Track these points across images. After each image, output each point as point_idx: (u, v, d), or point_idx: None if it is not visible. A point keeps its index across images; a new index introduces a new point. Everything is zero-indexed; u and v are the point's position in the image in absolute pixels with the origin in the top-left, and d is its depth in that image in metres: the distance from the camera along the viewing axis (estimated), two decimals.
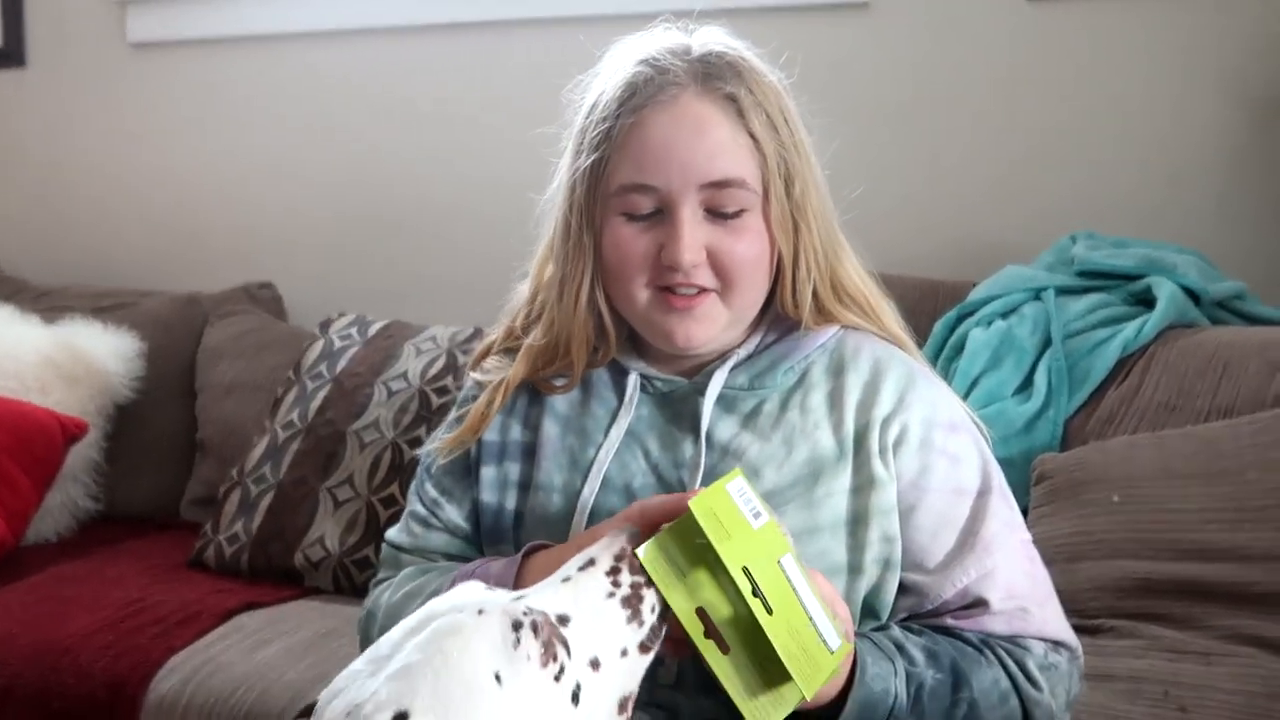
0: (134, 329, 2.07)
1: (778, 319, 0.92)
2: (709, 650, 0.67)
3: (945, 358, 1.61)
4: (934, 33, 1.87)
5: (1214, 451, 1.26)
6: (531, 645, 0.58)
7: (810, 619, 0.69)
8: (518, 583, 0.80)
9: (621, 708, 0.63)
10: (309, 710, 0.58)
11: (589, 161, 0.88)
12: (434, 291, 2.16)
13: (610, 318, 0.91)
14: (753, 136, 0.85)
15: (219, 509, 1.75)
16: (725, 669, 0.67)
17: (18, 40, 2.48)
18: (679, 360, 0.92)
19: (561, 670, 0.59)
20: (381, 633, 0.90)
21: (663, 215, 0.86)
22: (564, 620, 0.61)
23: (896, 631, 0.84)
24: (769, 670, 0.67)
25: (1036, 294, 1.60)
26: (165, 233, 2.42)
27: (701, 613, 0.67)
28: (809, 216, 0.88)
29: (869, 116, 1.89)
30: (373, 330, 1.85)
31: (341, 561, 1.62)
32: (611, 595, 0.64)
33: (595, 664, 0.61)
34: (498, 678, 0.57)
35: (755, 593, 0.66)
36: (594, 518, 0.86)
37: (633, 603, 0.64)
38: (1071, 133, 1.82)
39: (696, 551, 0.67)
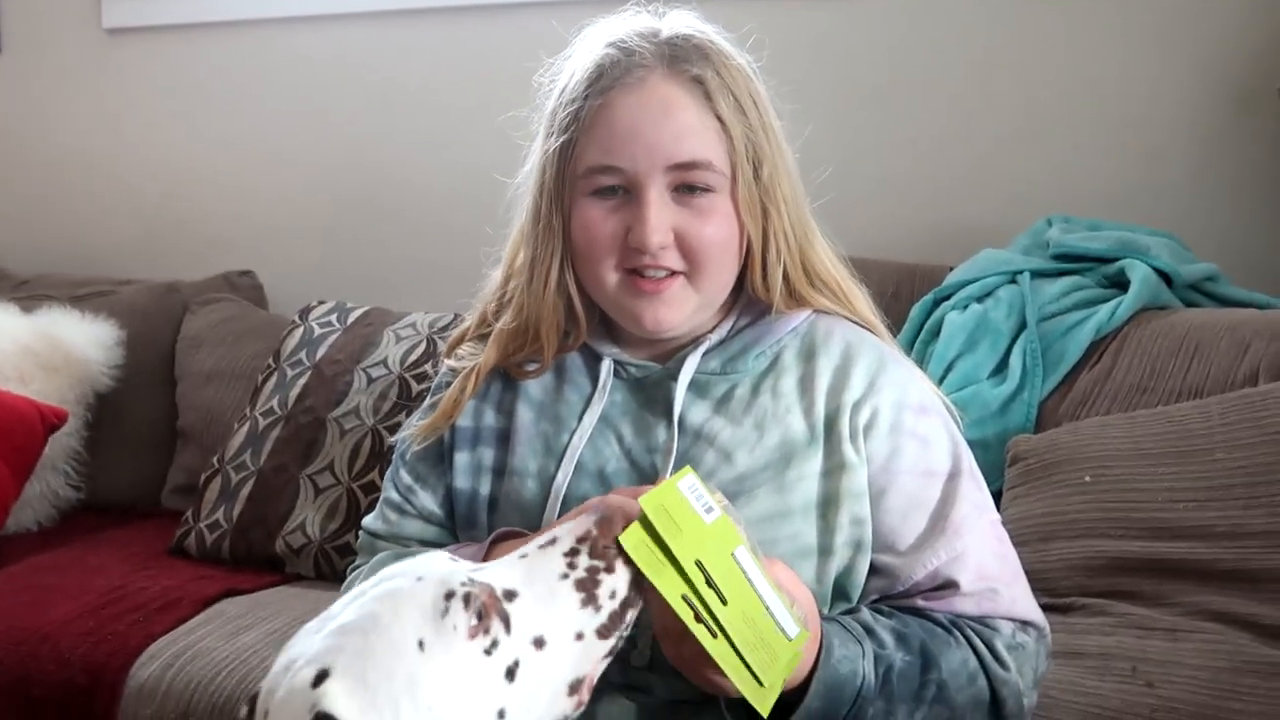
0: (113, 317, 2.06)
1: (749, 303, 0.93)
2: (702, 635, 0.67)
3: (921, 341, 1.62)
4: (910, 16, 1.88)
5: (1183, 431, 1.28)
6: (459, 616, 0.58)
7: (766, 608, 0.70)
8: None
9: (573, 689, 0.62)
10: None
11: (558, 144, 0.88)
12: (414, 278, 2.16)
13: (581, 301, 0.92)
14: (720, 119, 0.86)
15: (200, 496, 1.75)
16: (719, 650, 0.68)
17: None
18: (652, 345, 0.92)
19: (494, 644, 0.59)
20: None
21: (630, 197, 0.86)
22: (510, 595, 0.61)
23: (866, 614, 0.85)
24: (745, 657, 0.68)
25: (1012, 277, 1.61)
26: (144, 221, 2.41)
27: (688, 601, 0.68)
28: (778, 200, 0.88)
29: (845, 100, 1.89)
30: (352, 317, 1.85)
31: (322, 548, 1.63)
32: (565, 577, 0.63)
33: (539, 642, 0.61)
34: (420, 644, 0.57)
35: (709, 584, 0.67)
36: (567, 503, 0.87)
37: (587, 586, 0.63)
38: (1047, 116, 1.83)
39: (663, 544, 0.67)
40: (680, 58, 0.86)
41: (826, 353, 0.89)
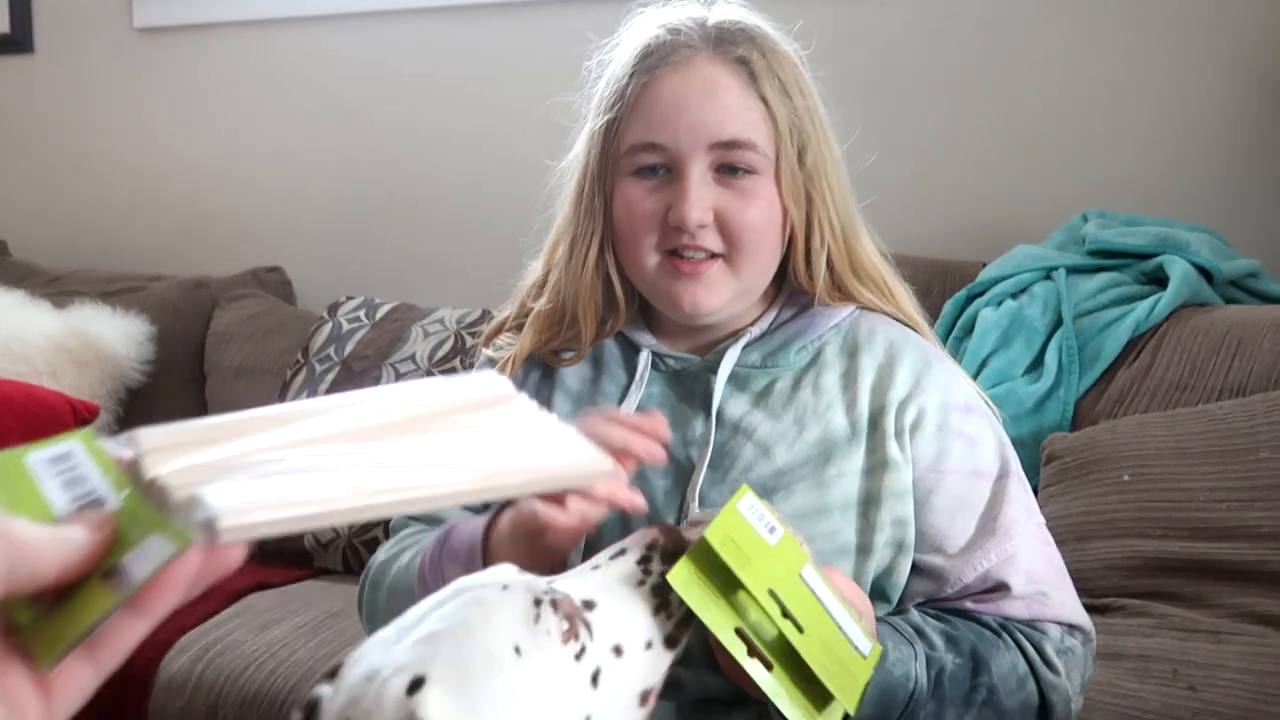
0: (143, 313, 2.07)
1: (792, 296, 0.91)
2: (756, 670, 0.65)
3: (955, 338, 1.60)
4: (943, 12, 1.85)
5: (1226, 430, 1.25)
6: (551, 621, 0.58)
7: (840, 628, 0.67)
8: (489, 535, 0.79)
9: (643, 700, 0.61)
10: (334, 672, 0.58)
11: (603, 122, 0.87)
12: (442, 274, 2.16)
13: (620, 286, 0.91)
14: (765, 101, 0.85)
15: None
16: (773, 686, 0.65)
17: (25, 26, 2.48)
18: (691, 337, 0.91)
19: (583, 650, 0.58)
20: (371, 587, 0.90)
21: (672, 176, 0.85)
22: (589, 605, 0.60)
23: (915, 616, 0.83)
24: (812, 682, 0.65)
25: (1047, 273, 1.58)
26: (173, 217, 2.43)
27: (740, 632, 0.65)
28: (823, 187, 0.87)
29: (878, 96, 1.87)
30: (380, 313, 1.85)
31: (351, 542, 1.63)
32: (641, 583, 0.63)
33: (618, 650, 0.60)
34: (517, 650, 0.56)
35: (785, 614, 0.64)
36: None
37: (663, 592, 0.63)
38: (1082, 111, 1.80)
39: (720, 573, 0.64)
40: (726, 40, 0.86)
41: (870, 350, 0.88)
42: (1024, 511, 0.86)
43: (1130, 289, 1.54)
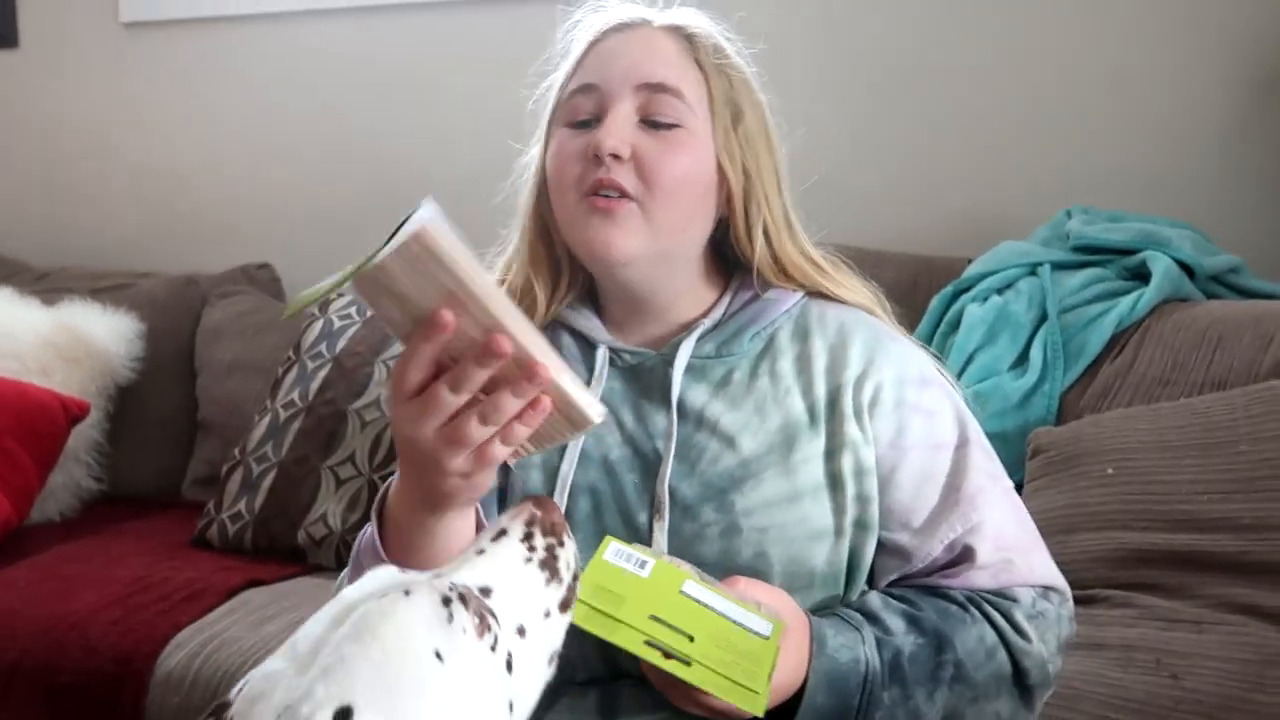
0: (133, 310, 2.07)
1: (743, 287, 0.92)
2: (676, 668, 0.70)
3: (941, 333, 1.62)
4: (932, 7, 1.87)
5: (1208, 424, 1.28)
6: (465, 618, 0.57)
7: (734, 622, 0.72)
8: (383, 526, 0.80)
9: (550, 661, 0.64)
10: (219, 711, 0.55)
11: (557, 85, 0.91)
12: None
13: (561, 251, 0.92)
14: (701, 67, 0.87)
15: (221, 488, 1.76)
16: (698, 676, 0.70)
17: (10, 20, 2.46)
18: (643, 328, 0.92)
19: (496, 640, 0.59)
20: (353, 569, 0.90)
21: (601, 124, 0.87)
22: (486, 592, 0.61)
23: (875, 599, 0.84)
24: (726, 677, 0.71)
25: (1032, 269, 1.61)
26: (162, 213, 2.42)
27: (651, 643, 0.71)
28: (762, 164, 0.89)
29: (863, 90, 1.89)
30: (372, 310, 1.85)
31: (344, 539, 1.64)
32: (529, 560, 0.64)
33: (522, 631, 0.62)
34: (438, 655, 0.55)
35: (672, 629, 0.71)
36: (574, 493, 0.87)
37: (550, 564, 0.64)
38: (1068, 106, 1.82)
39: (614, 600, 0.71)
40: (674, 22, 0.91)
41: (821, 332, 0.89)
42: (988, 478, 0.87)
43: (1113, 284, 1.57)
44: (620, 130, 0.84)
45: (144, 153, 2.42)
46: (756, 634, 0.72)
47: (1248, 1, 1.71)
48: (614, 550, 0.75)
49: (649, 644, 0.70)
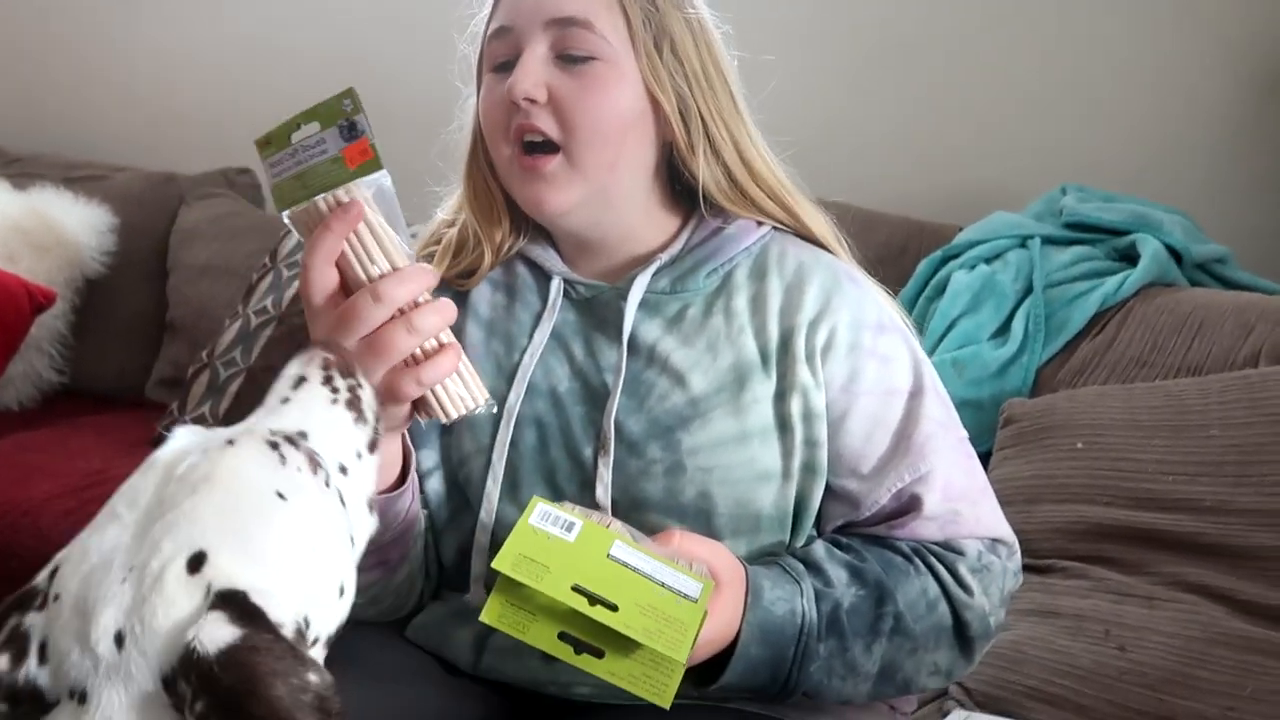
0: (106, 202, 2.02)
1: (703, 223, 0.90)
2: (588, 664, 0.69)
3: (926, 297, 1.62)
4: None
5: (1180, 407, 1.29)
6: (297, 458, 0.57)
7: (661, 584, 0.70)
8: None
9: (371, 508, 0.64)
10: (25, 600, 0.54)
11: (483, 26, 0.88)
12: (417, 186, 2.12)
13: (505, 200, 0.91)
14: None
15: (186, 390, 1.73)
16: (607, 670, 0.69)
17: None
18: (596, 260, 0.90)
19: (328, 477, 0.59)
20: None
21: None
22: (304, 435, 0.61)
23: (820, 549, 0.83)
24: (647, 650, 0.69)
25: (1023, 241, 1.60)
26: (143, 108, 2.35)
27: (564, 635, 0.69)
28: (698, 77, 0.85)
29: (866, 52, 1.86)
30: None
31: None
32: (335, 402, 0.64)
33: (344, 470, 0.62)
34: (280, 495, 0.55)
35: (594, 601, 0.68)
36: (520, 423, 0.86)
37: (355, 405, 0.64)
38: (1067, 84, 1.81)
39: (537, 571, 0.69)
40: None
41: (779, 272, 0.87)
42: (939, 428, 0.86)
43: (1101, 264, 1.57)
44: (533, 73, 0.82)
45: (128, 45, 2.34)
46: (685, 596, 0.70)
47: (1251, 4, 1.70)
48: (540, 513, 0.72)
49: (562, 638, 0.69)
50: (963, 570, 0.84)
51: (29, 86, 2.43)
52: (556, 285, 0.90)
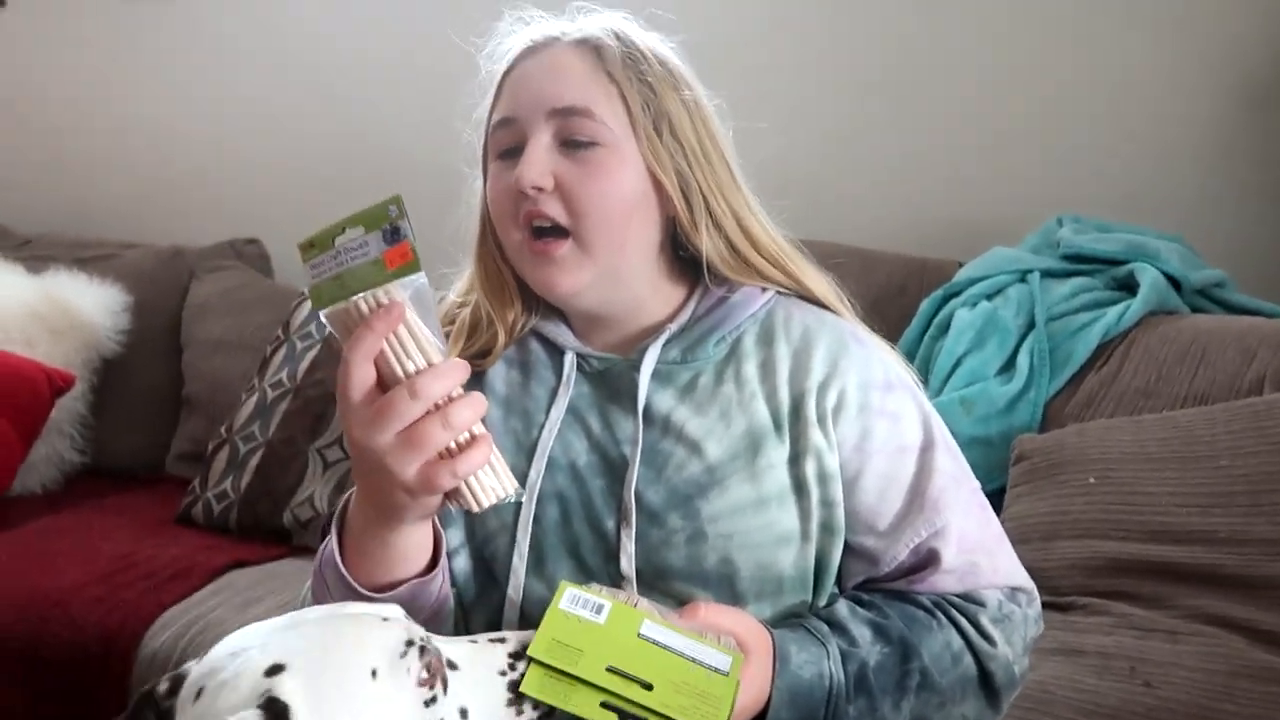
0: (119, 281, 2.05)
1: (708, 293, 0.92)
2: None
3: (930, 336, 1.64)
4: (926, 9, 1.87)
5: (1189, 437, 1.30)
6: (415, 663, 0.63)
7: (692, 661, 0.72)
8: (342, 537, 0.81)
9: None
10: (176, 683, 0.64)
11: (486, 115, 0.91)
12: (425, 252, 2.15)
13: (516, 281, 0.92)
14: (611, 78, 0.86)
15: (207, 466, 1.75)
16: None
17: None
18: (608, 333, 0.92)
19: (434, 699, 0.63)
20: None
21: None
22: (453, 665, 0.66)
23: (843, 609, 0.85)
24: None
25: (1022, 276, 1.62)
26: (147, 182, 2.39)
27: (608, 705, 0.70)
28: (696, 155, 0.88)
29: (859, 89, 1.89)
30: None
31: (330, 522, 1.64)
32: (503, 674, 0.68)
33: (464, 713, 0.65)
34: (374, 673, 0.61)
35: (630, 679, 0.70)
36: (541, 500, 0.87)
37: (515, 689, 0.68)
38: (1060, 114, 1.84)
39: (570, 656, 0.71)
40: (587, 33, 0.89)
41: (785, 337, 0.89)
42: (952, 481, 0.87)
43: (1101, 294, 1.59)
44: (539, 162, 0.84)
45: (131, 120, 2.39)
46: (716, 670, 0.72)
47: (1237, 19, 1.73)
48: (569, 597, 0.74)
49: (605, 706, 0.70)
50: (985, 621, 0.86)
51: (32, 166, 2.47)
52: (570, 360, 0.91)
